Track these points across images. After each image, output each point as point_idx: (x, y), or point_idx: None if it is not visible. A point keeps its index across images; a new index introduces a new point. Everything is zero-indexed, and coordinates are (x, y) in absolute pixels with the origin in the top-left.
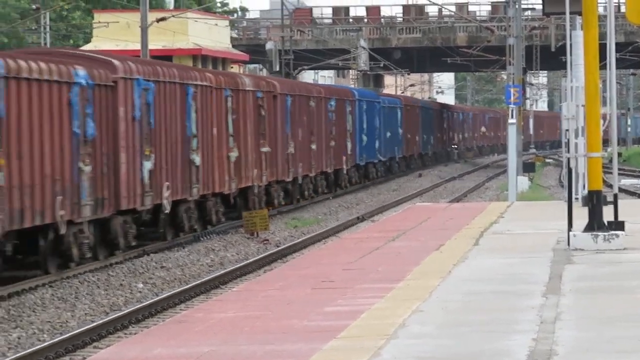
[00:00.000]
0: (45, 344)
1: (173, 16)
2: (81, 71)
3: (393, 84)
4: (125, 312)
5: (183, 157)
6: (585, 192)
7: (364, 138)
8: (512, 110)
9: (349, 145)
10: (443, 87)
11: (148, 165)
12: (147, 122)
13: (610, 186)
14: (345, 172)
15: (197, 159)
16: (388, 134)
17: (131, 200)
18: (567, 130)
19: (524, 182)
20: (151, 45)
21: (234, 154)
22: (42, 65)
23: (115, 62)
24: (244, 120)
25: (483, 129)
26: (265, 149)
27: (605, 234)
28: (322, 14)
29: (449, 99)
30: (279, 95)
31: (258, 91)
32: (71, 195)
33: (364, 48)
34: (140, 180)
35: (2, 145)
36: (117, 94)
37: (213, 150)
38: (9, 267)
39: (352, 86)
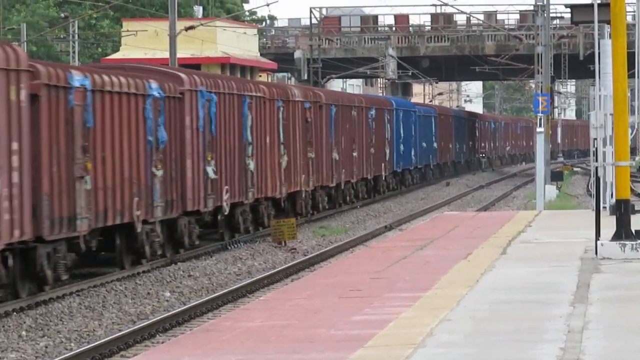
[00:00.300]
0: (73, 352)
1: (201, 24)
2: (154, 84)
3: (421, 92)
4: (152, 320)
5: (240, 163)
6: (613, 200)
7: (401, 146)
8: (541, 119)
9: (387, 152)
10: (471, 95)
11: (211, 170)
12: (209, 131)
13: (638, 195)
14: (384, 178)
15: (252, 164)
16: (423, 142)
17: (196, 202)
18: (595, 138)
19: (551, 190)
20: (179, 54)
21: (284, 161)
22: (122, 79)
23: (182, 75)
24: (294, 128)
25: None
26: (311, 156)
27: (633, 242)
28: (350, 23)
29: (477, 107)
30: (324, 105)
31: (306, 101)
32: (146, 197)
33: (392, 56)
34: (203, 184)
35: (89, 151)
36: (183, 105)
37: (266, 157)
38: (87, 264)
39: (381, 94)
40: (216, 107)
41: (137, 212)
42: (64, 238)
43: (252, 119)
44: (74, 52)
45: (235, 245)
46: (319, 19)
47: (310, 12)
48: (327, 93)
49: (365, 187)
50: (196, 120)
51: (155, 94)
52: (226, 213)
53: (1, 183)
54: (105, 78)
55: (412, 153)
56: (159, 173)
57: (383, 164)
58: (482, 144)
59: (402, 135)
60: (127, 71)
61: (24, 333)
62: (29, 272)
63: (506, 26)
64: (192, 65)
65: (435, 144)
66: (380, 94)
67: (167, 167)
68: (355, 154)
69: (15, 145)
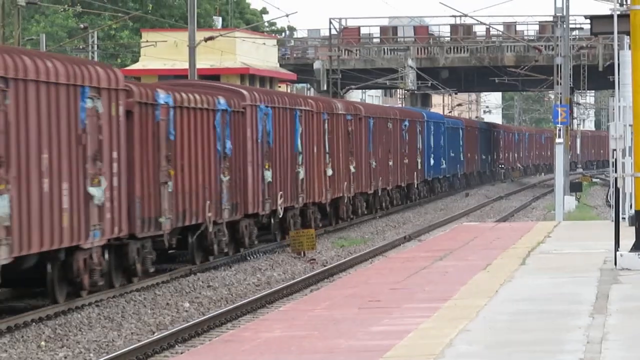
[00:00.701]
0: None
1: (221, 35)
2: (222, 100)
3: (440, 103)
4: (171, 331)
5: (292, 171)
6: (632, 211)
7: (432, 156)
8: (560, 130)
9: (419, 162)
10: (490, 106)
11: (268, 177)
12: (266, 141)
13: None
14: (416, 186)
15: (302, 172)
16: (451, 153)
17: (255, 205)
18: (614, 149)
19: (571, 201)
20: (199, 65)
21: (329, 169)
22: (197, 96)
23: (244, 92)
24: (337, 139)
25: None
26: (352, 165)
27: None
28: (370, 34)
29: (496, 118)
30: (364, 118)
31: (348, 114)
32: (215, 200)
33: (412, 67)
34: (262, 189)
35: (172, 160)
36: (245, 119)
37: (314, 165)
38: (161, 261)
39: (401, 105)
40: (272, 120)
41: (209, 213)
42: (150, 236)
43: (302, 131)
44: None
45: (255, 256)
46: (338, 29)
47: (330, 23)
48: (365, 106)
49: (399, 195)
50: (256, 132)
51: (223, 108)
52: (280, 216)
53: (105, 187)
54: (184, 95)
55: (442, 163)
56: (226, 179)
57: (415, 173)
58: (507, 155)
59: (432, 145)
60: (196, 88)
61: (43, 343)
62: (121, 265)
63: (525, 37)
64: (212, 76)
65: (462, 155)
66: (400, 105)
67: (233, 174)
68: (390, 162)
69: (115, 154)
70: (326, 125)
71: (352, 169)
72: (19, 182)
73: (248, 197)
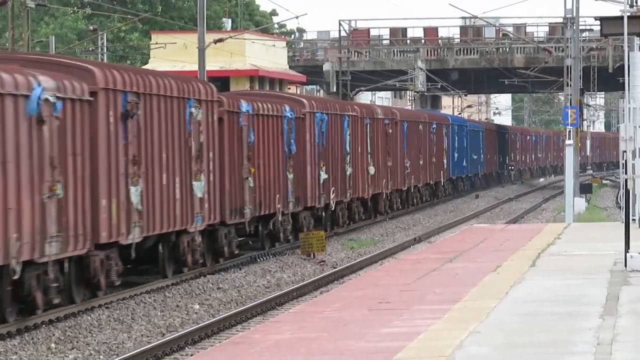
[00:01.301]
0: None
1: (230, 37)
2: (287, 107)
3: (450, 105)
4: (181, 333)
5: (341, 169)
6: None
7: (456, 156)
8: (570, 132)
9: (445, 161)
10: (500, 108)
11: (323, 174)
12: (321, 143)
13: None
14: (442, 184)
15: (349, 170)
16: (473, 154)
17: (313, 199)
18: (624, 151)
19: (581, 203)
20: (208, 66)
21: (371, 167)
22: (269, 105)
23: (304, 100)
24: (377, 141)
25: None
26: (390, 164)
27: None
28: (379, 35)
29: (506, 120)
30: (399, 121)
31: (386, 118)
32: (283, 194)
33: (422, 69)
34: (317, 185)
35: (251, 159)
36: (305, 124)
37: (358, 165)
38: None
39: (410, 107)
40: (326, 125)
41: (278, 205)
42: (234, 223)
43: (349, 134)
44: None
45: (264, 258)
46: (348, 31)
47: (339, 24)
48: (400, 111)
49: (428, 192)
50: (313, 136)
51: (289, 115)
52: (332, 209)
53: (204, 182)
54: (260, 104)
55: (464, 163)
56: (291, 176)
57: (442, 172)
58: (524, 156)
59: (456, 147)
60: (265, 97)
61: (53, 345)
62: (212, 247)
63: (535, 39)
64: (221, 78)
65: (482, 156)
66: (409, 107)
67: (295, 171)
68: (421, 162)
69: (211, 155)
70: (368, 128)
71: (390, 168)
72: (146, 177)
73: (307, 192)
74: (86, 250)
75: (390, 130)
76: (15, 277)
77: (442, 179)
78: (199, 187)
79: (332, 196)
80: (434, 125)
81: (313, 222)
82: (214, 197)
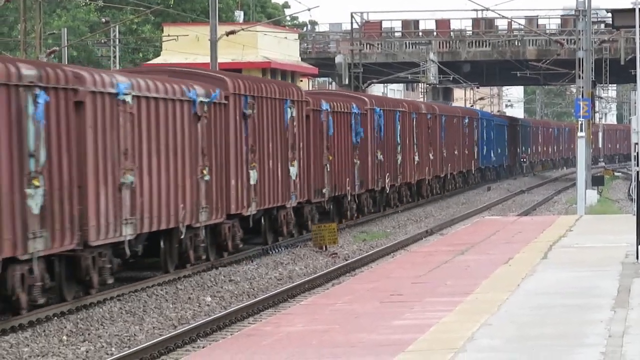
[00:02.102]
0: (114, 357)
1: (242, 29)
2: (355, 105)
3: (462, 97)
4: (193, 325)
5: (394, 157)
6: None
7: (484, 147)
8: (582, 124)
9: (475, 152)
10: (512, 100)
11: (380, 162)
12: (379, 135)
13: None
14: (473, 172)
15: (400, 158)
16: (498, 146)
17: (372, 183)
18: (636, 143)
19: (592, 195)
20: (220, 59)
21: (416, 156)
22: (341, 103)
23: (366, 99)
24: (421, 133)
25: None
26: (431, 154)
27: None
28: (391, 27)
29: (518, 112)
30: (438, 116)
31: (428, 113)
32: (352, 177)
33: (434, 61)
34: (376, 170)
35: (330, 149)
36: (367, 118)
37: (406, 154)
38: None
39: (422, 99)
40: (383, 119)
41: (348, 187)
42: (316, 202)
43: (400, 127)
44: (114, 57)
45: (277, 250)
46: (360, 23)
47: (352, 17)
48: (439, 106)
49: (461, 179)
50: (373, 129)
51: (356, 111)
52: (387, 192)
53: (297, 167)
54: (335, 103)
55: (491, 154)
56: (357, 162)
57: (473, 161)
58: (545, 148)
59: (484, 139)
60: (335, 96)
61: (64, 338)
62: (298, 221)
63: (547, 31)
64: (233, 70)
65: (506, 148)
66: (421, 99)
67: (360, 159)
68: (456, 152)
69: (301, 145)
70: (414, 122)
71: (431, 157)
72: (260, 163)
73: (369, 176)
74: (222, 220)
75: (431, 124)
76: (182, 237)
77: (472, 168)
78: (293, 171)
79: (387, 180)
80: (467, 120)
81: (372, 202)
82: (303, 179)
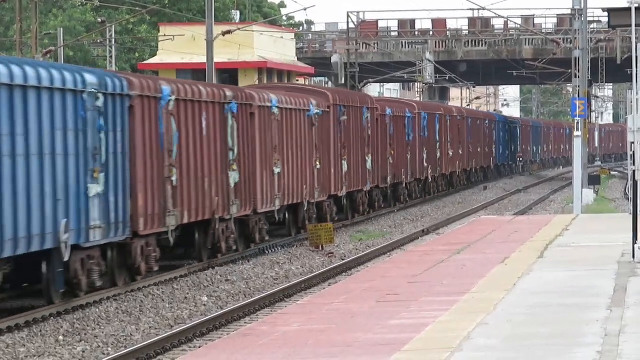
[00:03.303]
0: (110, 357)
1: (239, 29)
2: (408, 110)
3: (458, 96)
4: (189, 325)
5: (434, 153)
6: None
7: (500, 146)
8: (578, 123)
9: (493, 150)
10: (508, 99)
11: (424, 156)
12: (424, 134)
13: None
14: (491, 168)
15: (438, 154)
16: (512, 145)
17: (420, 173)
18: (632, 142)
19: (589, 194)
20: (217, 58)
21: (450, 152)
22: (398, 108)
23: (415, 104)
24: (453, 132)
25: None
26: (460, 150)
27: None
28: (388, 27)
29: (514, 111)
30: (465, 118)
31: (458, 115)
32: (406, 169)
33: (430, 61)
34: (421, 163)
35: (392, 145)
36: (415, 121)
37: (443, 150)
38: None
39: (419, 99)
40: (426, 121)
41: (403, 177)
42: (381, 187)
43: (439, 127)
44: (111, 57)
45: (273, 250)
46: (356, 23)
47: (348, 16)
48: (467, 110)
49: (482, 173)
50: (420, 129)
51: (409, 115)
52: (430, 181)
53: (371, 159)
54: (395, 108)
55: (506, 152)
56: (409, 157)
57: (491, 158)
58: (556, 146)
59: (500, 139)
60: (392, 102)
61: (61, 338)
62: (370, 203)
63: (544, 30)
64: (229, 70)
65: (519, 147)
66: (418, 99)
67: (411, 154)
68: (478, 149)
69: (372, 142)
70: (448, 124)
71: (460, 153)
72: (348, 156)
73: (417, 168)
74: (325, 198)
75: (460, 125)
76: (305, 208)
77: (491, 164)
78: (369, 163)
79: (429, 172)
80: (487, 122)
81: (418, 188)
82: (376, 169)
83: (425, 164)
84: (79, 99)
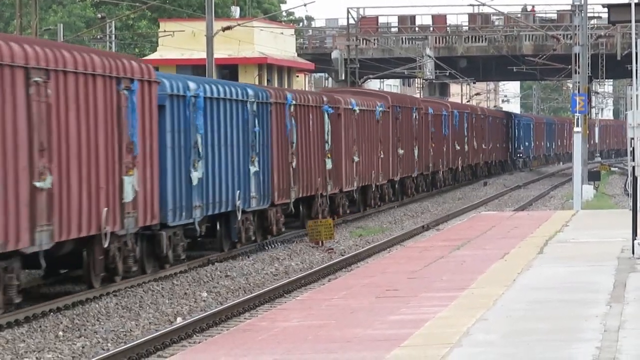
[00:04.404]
0: (109, 353)
1: (239, 25)
2: (443, 108)
3: (459, 92)
4: (189, 321)
5: (463, 147)
6: None
7: (516, 142)
8: (578, 119)
9: (510, 145)
10: (508, 95)
11: (457, 147)
12: (455, 128)
13: None
14: (508, 161)
15: (467, 147)
16: (526, 141)
17: (453, 163)
18: (632, 138)
19: (589, 190)
20: (217, 54)
21: (475, 146)
22: (436, 107)
23: (448, 104)
24: (477, 129)
25: None
26: (483, 144)
27: None
28: (388, 23)
29: (514, 107)
30: (487, 116)
31: (482, 114)
32: (443, 159)
33: (430, 57)
34: (455, 154)
35: (433, 139)
36: (449, 118)
37: (471, 143)
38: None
39: (419, 95)
40: (458, 119)
41: (440, 166)
42: (424, 175)
43: (467, 124)
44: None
45: (273, 246)
46: (356, 19)
47: (348, 12)
48: (487, 110)
49: (500, 166)
50: (453, 125)
51: (445, 113)
52: (460, 170)
53: (417, 151)
54: (434, 108)
55: (522, 147)
56: (444, 149)
57: (508, 152)
58: (568, 142)
59: (516, 135)
60: (433, 102)
61: (60, 333)
62: (416, 188)
63: (544, 21)
64: (229, 66)
65: (533, 142)
66: (418, 95)
67: (447, 146)
68: (498, 145)
69: (418, 136)
70: (474, 121)
71: (484, 147)
72: (403, 146)
73: (450, 158)
74: (385, 182)
75: (483, 123)
76: (372, 190)
77: (508, 158)
78: (416, 153)
79: (460, 162)
80: (504, 120)
81: (451, 177)
82: (421, 159)
83: (458, 156)
84: (245, 107)
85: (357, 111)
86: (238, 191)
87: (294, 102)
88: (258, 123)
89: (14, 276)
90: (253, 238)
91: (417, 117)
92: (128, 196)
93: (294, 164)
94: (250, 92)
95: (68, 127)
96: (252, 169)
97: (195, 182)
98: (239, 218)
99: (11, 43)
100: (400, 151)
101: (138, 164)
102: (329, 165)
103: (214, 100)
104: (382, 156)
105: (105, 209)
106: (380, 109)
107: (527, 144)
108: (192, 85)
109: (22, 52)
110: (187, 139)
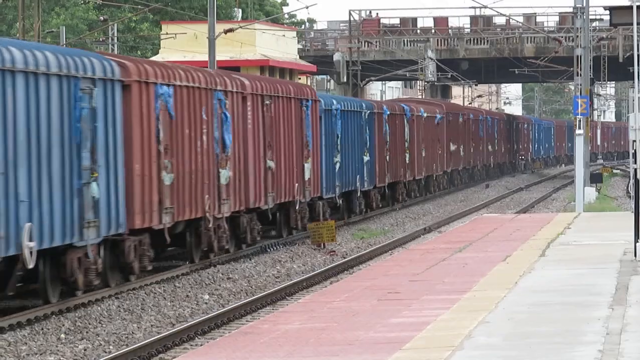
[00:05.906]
0: (111, 355)
1: (241, 27)
2: (480, 115)
3: (460, 94)
4: (191, 323)
5: (494, 147)
6: None
7: (535, 143)
8: (580, 121)
9: (530, 147)
10: (510, 97)
11: (489, 149)
12: (487, 132)
13: None
14: (529, 161)
15: (490, 148)
16: (546, 143)
17: (486, 160)
18: (634, 140)
19: (591, 193)
20: (219, 56)
21: (503, 148)
22: (475, 113)
23: (483, 111)
24: (497, 132)
25: None
26: (496, 148)
27: None
28: (390, 25)
29: (516, 110)
30: (511, 121)
31: (508, 120)
32: (478, 157)
33: (432, 59)
34: (487, 153)
35: (472, 139)
36: (483, 122)
37: (491, 145)
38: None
39: (420, 97)
40: (490, 124)
41: (477, 162)
42: (458, 170)
43: (485, 127)
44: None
45: (274, 248)
46: (358, 21)
47: (350, 14)
48: (507, 115)
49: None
50: (486, 128)
51: (481, 118)
52: (492, 167)
53: (460, 149)
54: (474, 114)
55: (541, 149)
56: (480, 149)
57: (528, 153)
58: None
59: (536, 137)
60: (469, 110)
61: (62, 336)
62: (452, 181)
63: (545, 28)
64: (231, 68)
65: (553, 143)
66: (419, 97)
67: (482, 146)
68: (521, 146)
69: (462, 137)
70: (502, 125)
71: (503, 149)
72: (453, 145)
73: (484, 157)
74: (441, 173)
75: (508, 127)
76: (434, 178)
77: (528, 158)
78: (461, 152)
79: (492, 160)
80: (526, 124)
81: (484, 173)
82: (465, 156)
83: (490, 155)
84: (361, 116)
85: (425, 117)
86: (358, 175)
87: (388, 112)
88: (368, 128)
89: (146, 248)
90: (364, 210)
91: (462, 122)
92: (307, 176)
93: (387, 157)
94: (364, 105)
95: (279, 131)
96: (365, 159)
97: (337, 169)
98: (359, 195)
99: (253, 81)
100: (452, 147)
101: (311, 155)
102: (407, 159)
103: (344, 112)
104: (440, 152)
105: (297, 184)
106: (439, 115)
107: (546, 145)
108: (334, 101)
109: (262, 86)
110: (331, 139)
